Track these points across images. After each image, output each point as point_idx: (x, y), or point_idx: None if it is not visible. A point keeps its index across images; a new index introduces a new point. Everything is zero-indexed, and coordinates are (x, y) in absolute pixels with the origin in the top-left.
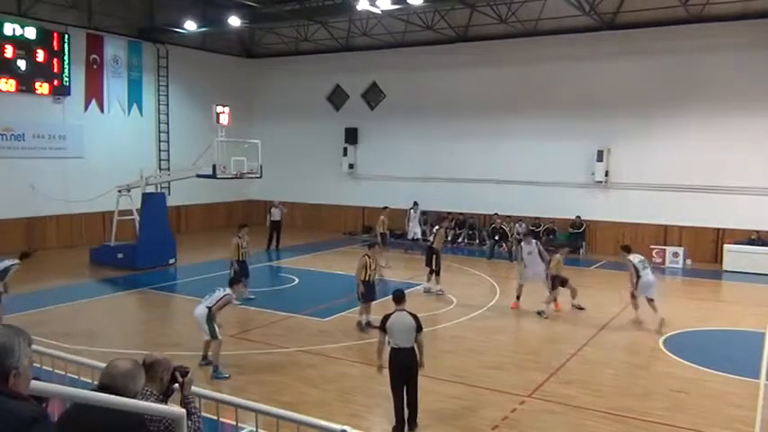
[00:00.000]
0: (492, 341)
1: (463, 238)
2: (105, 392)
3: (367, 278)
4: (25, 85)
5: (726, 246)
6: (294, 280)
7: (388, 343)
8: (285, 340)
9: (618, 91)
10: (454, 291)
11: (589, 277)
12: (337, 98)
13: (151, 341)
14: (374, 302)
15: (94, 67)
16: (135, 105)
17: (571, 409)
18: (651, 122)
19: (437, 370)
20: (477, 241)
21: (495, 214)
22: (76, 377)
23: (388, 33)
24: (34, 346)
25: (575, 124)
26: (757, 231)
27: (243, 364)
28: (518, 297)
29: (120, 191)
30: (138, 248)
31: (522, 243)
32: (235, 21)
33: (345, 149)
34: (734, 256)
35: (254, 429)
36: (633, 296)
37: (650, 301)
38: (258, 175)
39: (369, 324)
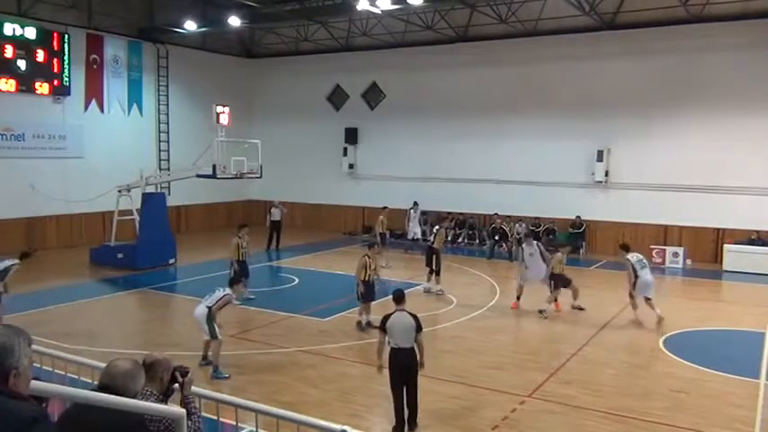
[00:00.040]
0: (492, 341)
1: (463, 238)
2: (105, 392)
3: (367, 278)
4: (25, 85)
5: (726, 246)
6: (294, 280)
7: (388, 343)
8: (285, 340)
9: (618, 91)
10: (454, 291)
11: (589, 277)
12: (337, 98)
13: (151, 341)
14: (374, 302)
15: (94, 67)
16: (135, 105)
17: (571, 409)
18: (651, 122)
19: (437, 370)
20: (477, 241)
21: (495, 214)
22: (76, 377)
23: (388, 33)
24: (34, 346)
25: (575, 124)
26: (757, 231)
27: (243, 364)
28: (518, 297)
29: (120, 191)
30: (138, 248)
31: (524, 245)
32: (235, 21)
33: (345, 149)
34: (734, 256)
35: (254, 429)
36: (632, 296)
37: (647, 299)
38: (258, 175)
39: (369, 324)
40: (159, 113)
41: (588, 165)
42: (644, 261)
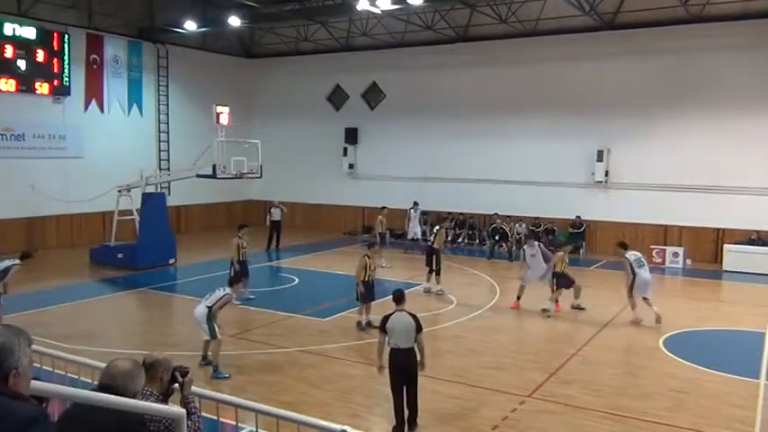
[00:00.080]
0: (492, 341)
1: (463, 238)
2: (105, 392)
3: (367, 278)
4: (25, 85)
5: (726, 246)
6: (294, 280)
7: (388, 343)
8: (285, 340)
9: (618, 91)
10: (454, 291)
11: (589, 277)
12: (337, 98)
13: (151, 341)
14: (374, 302)
15: (94, 67)
16: (135, 105)
17: (571, 409)
18: (651, 122)
19: (437, 370)
20: (477, 241)
21: (495, 214)
22: (76, 377)
23: (388, 33)
24: (34, 347)
25: (575, 124)
26: (757, 231)
27: (243, 364)
28: (518, 297)
29: (120, 191)
30: (138, 248)
31: (525, 246)
32: (235, 21)
33: (345, 149)
34: (734, 256)
35: (254, 429)
36: (630, 295)
37: (645, 299)
38: (258, 175)
39: (369, 324)
40: (159, 113)
41: (588, 165)
42: (642, 260)
